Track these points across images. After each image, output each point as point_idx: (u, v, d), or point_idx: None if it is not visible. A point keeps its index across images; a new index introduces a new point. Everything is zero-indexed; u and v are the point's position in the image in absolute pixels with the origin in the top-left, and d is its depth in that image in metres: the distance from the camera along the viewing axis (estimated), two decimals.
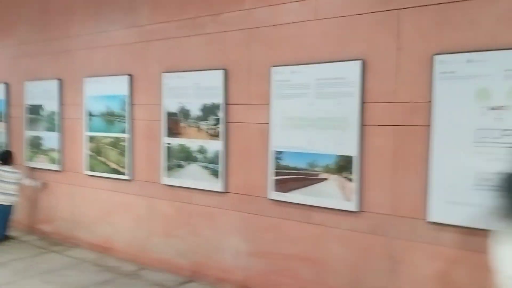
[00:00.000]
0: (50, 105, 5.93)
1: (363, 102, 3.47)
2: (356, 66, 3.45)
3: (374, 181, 3.45)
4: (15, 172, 5.94)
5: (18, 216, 6.23)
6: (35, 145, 6.14)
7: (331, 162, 3.60)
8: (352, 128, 3.48)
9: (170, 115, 4.70)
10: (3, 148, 6.47)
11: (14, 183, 5.90)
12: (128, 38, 5.08)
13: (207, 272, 4.50)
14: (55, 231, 6.00)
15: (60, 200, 5.92)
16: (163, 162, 4.78)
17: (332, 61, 3.60)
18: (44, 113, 6.01)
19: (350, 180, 3.51)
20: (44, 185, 6.11)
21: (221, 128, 4.30)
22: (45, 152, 6.02)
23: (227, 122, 4.29)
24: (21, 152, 6.35)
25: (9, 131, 6.60)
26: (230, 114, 4.28)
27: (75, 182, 5.72)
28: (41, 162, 6.07)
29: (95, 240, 5.52)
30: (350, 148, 3.50)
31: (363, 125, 3.48)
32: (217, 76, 4.30)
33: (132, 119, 5.08)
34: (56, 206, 5.98)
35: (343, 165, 3.53)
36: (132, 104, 5.08)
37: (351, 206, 3.51)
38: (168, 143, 4.72)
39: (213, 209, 4.45)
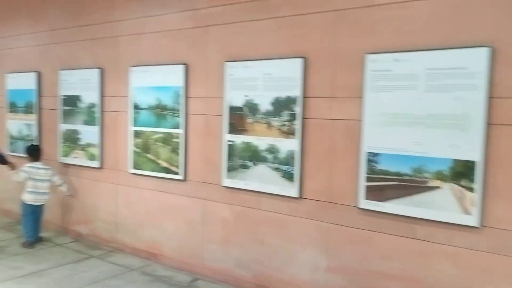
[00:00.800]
0: (89, 96, 5.35)
1: (490, 97, 2.86)
2: (481, 53, 2.84)
3: (502, 192, 2.86)
4: (47, 168, 5.38)
5: (48, 215, 5.67)
6: (71, 140, 5.55)
7: (444, 168, 3.00)
8: (475, 127, 2.88)
9: (234, 110, 4.10)
10: (33, 143, 5.87)
11: (47, 180, 5.34)
12: (182, 23, 4.49)
13: (275, 286, 3.91)
14: (93, 233, 5.44)
15: (99, 199, 5.35)
16: (223, 161, 4.19)
17: (449, 47, 2.99)
18: (82, 105, 5.42)
19: (470, 189, 2.91)
20: (72, 193, 5.60)
21: (297, 124, 3.71)
22: (82, 147, 5.44)
23: (304, 118, 3.70)
24: (54, 147, 5.78)
25: (40, 123, 6.01)
26: (308, 109, 3.68)
27: (117, 180, 5.14)
28: (78, 158, 5.49)
29: (140, 244, 4.95)
30: (472, 152, 2.90)
31: (489, 124, 2.88)
32: (293, 66, 3.70)
33: (186, 114, 4.48)
34: (94, 206, 5.41)
35: (461, 172, 2.93)
36: (186, 97, 4.48)
37: (471, 220, 2.91)
38: (231, 141, 4.13)
39: (283, 216, 3.86)
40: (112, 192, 5.22)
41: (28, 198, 5.26)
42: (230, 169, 4.16)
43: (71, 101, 5.54)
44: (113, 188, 5.21)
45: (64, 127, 5.65)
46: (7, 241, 5.40)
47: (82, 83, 5.41)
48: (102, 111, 5.27)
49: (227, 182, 4.19)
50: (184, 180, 4.54)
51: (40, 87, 6.01)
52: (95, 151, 5.31)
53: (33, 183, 5.24)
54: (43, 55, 5.91)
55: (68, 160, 5.62)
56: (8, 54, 6.41)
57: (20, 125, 6.23)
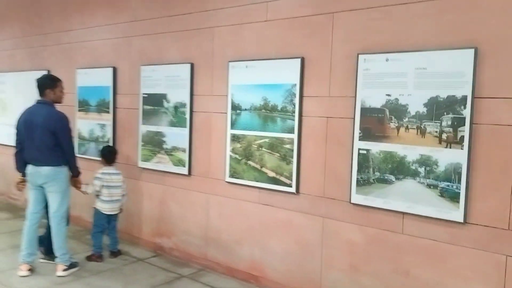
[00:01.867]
0: (177, 94, 4.67)
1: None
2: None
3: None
4: (119, 173, 4.77)
5: (120, 223, 5.05)
6: (154, 143, 4.89)
7: None
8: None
9: (370, 112, 3.34)
10: (108, 144, 5.26)
11: (120, 186, 4.74)
12: (299, 10, 3.77)
13: None
14: (177, 247, 4.77)
15: (186, 210, 4.68)
16: (353, 173, 3.42)
17: None
18: (167, 104, 4.75)
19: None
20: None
21: (464, 131, 2.90)
22: (167, 151, 4.77)
23: (474, 124, 2.90)
24: (133, 150, 5.15)
25: (115, 124, 5.37)
26: (479, 112, 2.89)
27: (210, 189, 4.45)
28: (162, 164, 4.82)
29: (237, 264, 4.25)
30: None
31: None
32: (461, 58, 2.92)
33: (301, 116, 3.73)
34: (179, 217, 4.74)
35: None
36: (302, 96, 3.73)
37: None
38: (364, 149, 3.36)
39: (439, 244, 3.08)
40: (202, 202, 4.54)
41: (104, 207, 4.66)
42: (362, 183, 3.39)
43: (155, 100, 4.87)
44: (204, 198, 4.53)
45: (145, 128, 5.00)
46: (82, 254, 4.76)
47: (169, 80, 4.74)
48: (192, 111, 4.58)
49: (358, 198, 3.43)
50: (297, 193, 3.80)
51: (116, 84, 5.37)
52: (183, 156, 4.63)
53: (107, 191, 4.65)
54: (121, 48, 5.28)
55: (149, 165, 4.97)
56: (80, 48, 5.81)
57: (92, 125, 5.63)
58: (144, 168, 5.06)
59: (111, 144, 5.37)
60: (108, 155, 4.80)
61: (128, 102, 5.24)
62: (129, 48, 5.20)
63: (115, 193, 4.68)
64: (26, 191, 4.40)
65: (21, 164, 4.15)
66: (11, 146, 4.84)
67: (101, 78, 5.48)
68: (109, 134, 5.44)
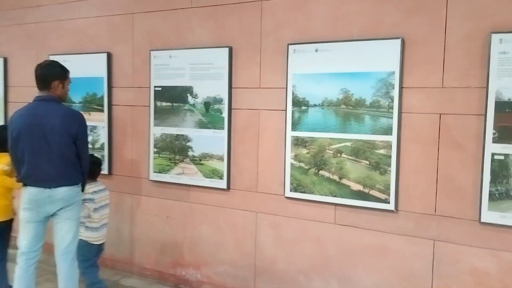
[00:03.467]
0: (207, 87, 3.64)
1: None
2: None
3: None
4: (105, 189, 3.60)
5: (121, 250, 4.08)
6: (175, 149, 3.81)
7: None
8: None
9: (509, 106, 2.57)
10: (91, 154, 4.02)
11: (108, 205, 3.60)
12: None
13: None
14: (210, 280, 3.80)
15: (225, 233, 3.70)
16: (484, 185, 2.66)
17: None
18: (194, 100, 3.68)
19: None
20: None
21: None
22: (195, 160, 3.71)
23: None
24: (141, 159, 4.05)
25: (110, 126, 4.18)
26: None
27: (259, 207, 3.51)
28: (186, 175, 3.76)
29: None
30: None
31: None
32: None
33: (400, 112, 2.90)
34: (215, 243, 3.74)
35: None
36: (401, 88, 2.90)
37: None
38: (501, 154, 2.61)
39: None
40: (248, 224, 3.56)
41: (94, 237, 3.46)
42: (498, 197, 2.64)
43: (173, 95, 3.79)
44: (250, 217, 3.55)
45: (158, 130, 3.88)
46: None
47: (196, 69, 3.68)
48: (231, 108, 3.55)
49: (491, 216, 2.68)
50: (395, 210, 2.96)
51: (111, 75, 4.16)
52: (219, 165, 3.61)
53: (98, 214, 3.45)
54: (118, 29, 4.11)
55: (167, 178, 3.87)
56: (54, 29, 4.53)
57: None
58: (158, 182, 3.94)
59: (106, 150, 4.16)
60: (93, 167, 3.47)
61: (130, 97, 4.07)
62: (130, 28, 4.03)
63: (104, 215, 3.52)
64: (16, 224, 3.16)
65: None
66: None
67: (89, 67, 4.26)
68: (102, 139, 4.23)
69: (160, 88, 3.87)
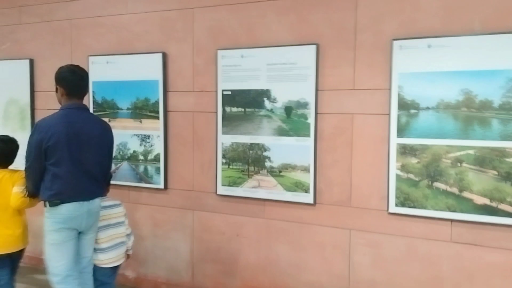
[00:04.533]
0: (290, 90, 3.21)
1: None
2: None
3: None
4: (118, 204, 3.14)
5: (179, 274, 3.70)
6: (249, 160, 3.37)
7: None
8: None
9: None
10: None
11: (122, 222, 3.11)
12: None
13: None
14: None
15: (310, 254, 3.31)
16: None
17: None
18: (272, 104, 3.25)
19: None
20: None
21: None
22: (273, 171, 3.28)
23: None
24: (206, 171, 3.64)
25: (166, 134, 3.71)
26: None
27: (354, 224, 3.12)
28: (262, 189, 3.33)
29: None
30: None
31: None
32: None
33: None
34: (297, 264, 3.35)
35: None
36: None
37: None
38: None
39: None
40: (339, 242, 3.15)
41: (104, 259, 2.97)
42: None
43: (247, 99, 3.35)
44: (341, 235, 3.14)
45: (228, 139, 3.43)
46: None
47: (274, 70, 3.24)
48: (317, 113, 3.13)
49: None
50: None
51: (166, 78, 3.68)
52: (304, 177, 3.18)
53: (104, 234, 2.96)
54: (175, 26, 3.67)
55: (239, 192, 3.42)
56: (93, 27, 4.03)
57: (123, 136, 3.89)
58: (226, 196, 3.48)
59: (162, 162, 3.69)
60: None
61: (191, 102, 3.60)
62: (190, 25, 3.57)
63: (118, 234, 3.04)
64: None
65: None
66: None
67: (139, 69, 3.78)
68: (157, 149, 3.74)
69: (229, 92, 3.42)
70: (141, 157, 3.82)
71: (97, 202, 2.76)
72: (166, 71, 3.69)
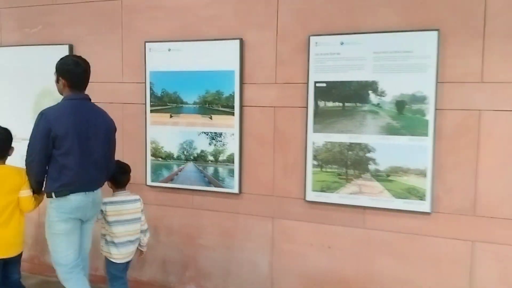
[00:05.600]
0: (402, 83, 2.79)
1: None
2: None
3: None
4: (136, 200, 3.07)
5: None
6: (348, 162, 2.96)
7: None
8: None
9: None
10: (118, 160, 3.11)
11: (138, 219, 3.04)
12: None
13: None
14: None
15: (422, 267, 2.94)
16: None
17: None
18: (379, 98, 2.84)
19: None
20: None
21: None
22: (379, 175, 2.87)
23: None
24: (290, 174, 3.20)
25: (242, 132, 3.24)
26: None
27: (478, 235, 2.78)
28: (365, 195, 2.91)
29: None
30: None
31: None
32: None
33: None
34: (404, 279, 2.97)
35: None
36: None
37: None
38: None
39: None
40: (459, 255, 2.81)
41: (116, 254, 2.94)
42: None
43: (346, 92, 2.93)
44: (463, 247, 2.79)
45: (321, 138, 3.00)
46: None
47: (382, 59, 2.83)
48: (436, 109, 2.73)
49: None
50: None
51: (242, 68, 3.21)
52: (418, 182, 2.79)
53: (122, 228, 2.93)
54: (250, 9, 3.20)
55: (333, 198, 3.00)
56: (149, 9, 3.49)
57: (187, 134, 3.42)
58: (318, 203, 3.04)
59: (236, 163, 3.22)
60: (119, 175, 3.02)
61: (272, 96, 3.15)
62: (273, 8, 3.12)
63: (131, 231, 2.97)
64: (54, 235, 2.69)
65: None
66: None
67: (209, 58, 3.29)
68: (230, 149, 3.27)
69: (324, 84, 2.97)
70: (211, 158, 3.33)
71: (99, 192, 2.79)
72: (242, 60, 3.20)
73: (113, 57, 3.64)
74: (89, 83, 3.49)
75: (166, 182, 3.51)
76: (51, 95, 3.82)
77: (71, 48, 3.77)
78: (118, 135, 3.41)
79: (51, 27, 3.84)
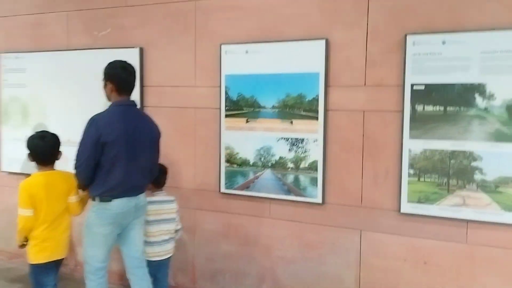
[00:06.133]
0: (509, 84, 2.49)
1: None
2: None
3: None
4: (172, 200, 3.17)
5: None
6: (449, 172, 2.70)
7: None
8: None
9: None
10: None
11: (173, 219, 3.16)
12: None
13: None
14: None
15: None
16: None
17: None
18: (487, 103, 2.58)
19: None
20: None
21: None
22: (486, 186, 2.61)
23: None
24: (381, 183, 2.97)
25: (326, 138, 3.02)
26: None
27: None
28: (469, 208, 2.66)
29: None
30: None
31: None
32: None
33: None
34: None
35: None
36: None
37: None
38: None
39: None
40: None
41: (150, 252, 3.04)
42: None
43: (449, 95, 2.70)
44: None
45: (418, 145, 2.77)
46: None
47: (492, 59, 2.59)
48: None
49: None
50: None
51: (328, 70, 3.00)
52: None
53: (158, 227, 3.06)
54: (337, 7, 2.99)
55: (434, 210, 2.75)
56: (225, 9, 3.35)
57: (264, 140, 3.26)
58: (412, 215, 2.80)
59: (320, 171, 3.02)
60: (159, 176, 3.10)
61: (361, 100, 2.95)
62: (363, 5, 2.89)
63: (166, 230, 3.09)
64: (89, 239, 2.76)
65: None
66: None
67: (293, 59, 3.12)
68: (313, 156, 3.07)
69: (422, 87, 2.74)
70: (291, 165, 3.14)
71: (142, 196, 2.81)
72: (328, 62, 3.00)
73: (185, 60, 3.51)
74: (160, 87, 3.39)
75: (241, 190, 3.34)
76: None
77: (141, 51, 3.67)
78: (190, 140, 3.31)
79: (121, 30, 3.75)
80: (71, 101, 3.94)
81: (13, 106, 4.25)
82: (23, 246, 2.76)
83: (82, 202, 2.89)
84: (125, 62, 2.75)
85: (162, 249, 3.06)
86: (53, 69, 4.02)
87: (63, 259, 2.90)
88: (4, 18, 4.29)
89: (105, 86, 2.72)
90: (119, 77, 2.68)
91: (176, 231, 3.17)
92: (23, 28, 4.20)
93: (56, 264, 2.85)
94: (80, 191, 2.85)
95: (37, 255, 2.75)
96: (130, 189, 2.69)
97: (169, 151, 3.52)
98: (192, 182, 3.55)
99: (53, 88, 4.03)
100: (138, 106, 3.61)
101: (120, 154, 2.59)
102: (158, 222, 3.05)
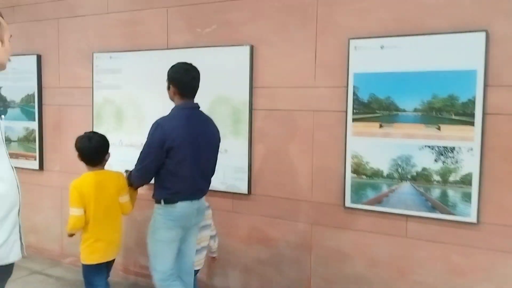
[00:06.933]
0: None
1: None
2: None
3: None
4: (208, 207, 3.03)
5: None
6: None
7: None
8: None
9: None
10: None
11: (209, 226, 3.08)
12: None
13: None
14: None
15: None
16: None
17: None
18: None
19: None
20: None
21: None
22: None
23: None
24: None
25: (483, 145, 2.57)
26: None
27: None
28: None
29: None
30: None
31: None
32: None
33: None
34: None
35: None
36: None
37: None
38: None
39: None
40: None
41: None
42: None
43: None
44: None
45: None
46: None
47: None
48: None
49: None
50: None
51: (487, 67, 2.53)
52: None
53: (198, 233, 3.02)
54: None
55: None
56: (360, 0, 2.91)
57: (402, 148, 2.85)
58: None
59: (475, 185, 2.58)
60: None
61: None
62: None
63: (201, 238, 2.99)
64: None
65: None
66: None
67: (441, 55, 2.68)
68: (466, 168, 2.63)
69: None
70: (437, 178, 2.72)
71: (203, 200, 2.84)
72: (487, 57, 2.54)
73: (303, 57, 3.17)
74: (273, 88, 3.06)
75: (372, 205, 2.94)
76: (227, 102, 3.43)
77: (251, 49, 3.35)
78: (307, 147, 2.99)
79: (228, 26, 3.44)
80: (170, 104, 3.65)
81: (106, 109, 4.02)
82: (72, 235, 2.85)
83: (132, 200, 2.96)
84: (189, 65, 2.70)
85: (197, 258, 2.99)
86: (150, 69, 3.76)
87: (114, 259, 2.96)
88: (96, 16, 4.09)
89: (168, 88, 2.71)
90: (181, 80, 2.66)
91: (212, 237, 3.12)
92: (117, 26, 3.98)
93: (107, 264, 2.91)
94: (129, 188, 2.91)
95: (89, 256, 2.82)
96: (195, 192, 2.72)
97: (282, 158, 3.19)
98: (308, 194, 3.20)
99: (151, 91, 3.76)
100: (247, 108, 3.31)
101: (186, 158, 2.61)
102: (201, 229, 2.99)
